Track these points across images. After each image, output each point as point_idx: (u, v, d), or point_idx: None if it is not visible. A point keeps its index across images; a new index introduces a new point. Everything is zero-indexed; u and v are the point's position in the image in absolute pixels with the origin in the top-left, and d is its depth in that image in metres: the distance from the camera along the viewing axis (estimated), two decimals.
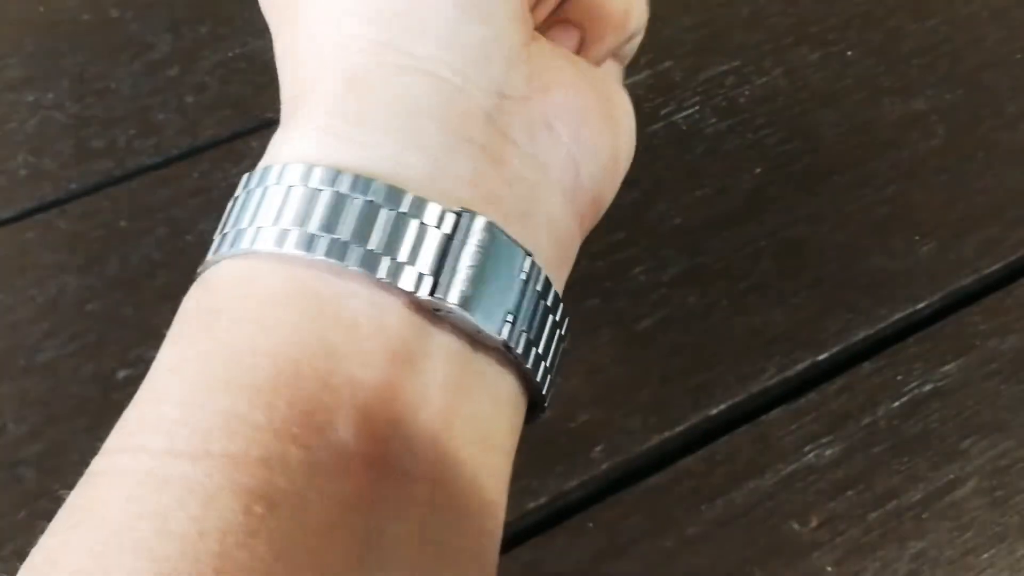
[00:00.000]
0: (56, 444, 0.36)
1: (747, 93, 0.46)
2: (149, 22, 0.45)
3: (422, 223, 0.22)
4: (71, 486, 0.35)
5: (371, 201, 0.22)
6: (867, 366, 0.39)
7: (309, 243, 0.22)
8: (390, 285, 0.22)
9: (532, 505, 0.36)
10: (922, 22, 0.48)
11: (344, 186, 0.22)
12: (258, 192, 0.23)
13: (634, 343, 0.39)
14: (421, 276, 0.22)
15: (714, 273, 0.41)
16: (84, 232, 0.40)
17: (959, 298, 0.41)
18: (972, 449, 0.38)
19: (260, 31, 0.46)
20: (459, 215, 0.23)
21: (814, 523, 0.36)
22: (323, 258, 0.22)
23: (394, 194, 0.22)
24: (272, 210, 0.22)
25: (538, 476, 0.36)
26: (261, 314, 0.22)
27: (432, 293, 0.22)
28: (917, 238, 0.42)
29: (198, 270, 0.24)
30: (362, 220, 0.22)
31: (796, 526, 0.36)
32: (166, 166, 0.42)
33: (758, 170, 0.44)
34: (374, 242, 0.22)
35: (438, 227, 0.23)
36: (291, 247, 0.22)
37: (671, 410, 0.38)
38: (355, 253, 0.22)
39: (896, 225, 0.43)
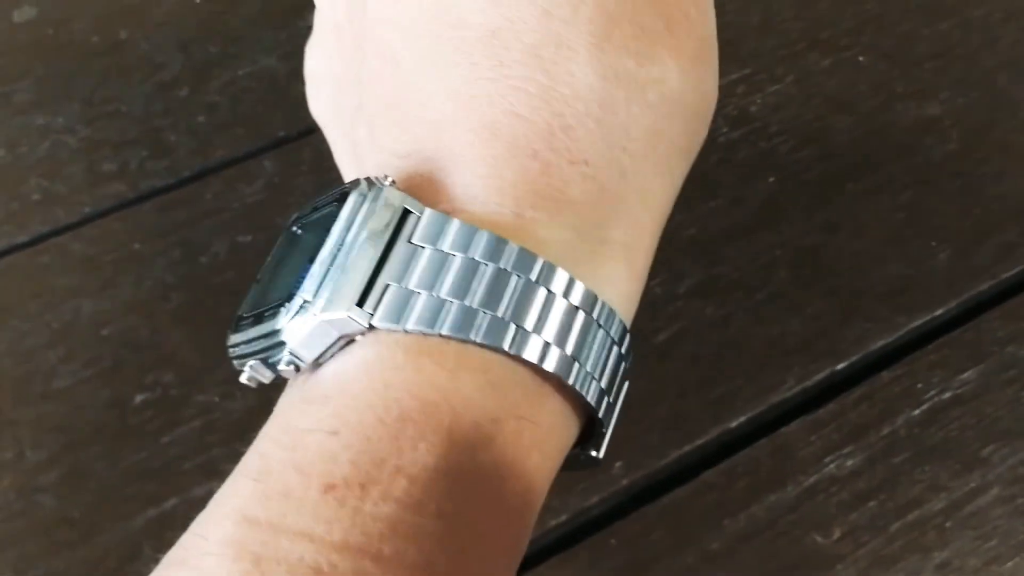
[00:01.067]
0: (74, 470, 0.36)
1: (759, 101, 0.45)
2: (158, 43, 0.45)
3: (616, 346, 0.24)
4: (90, 513, 0.35)
5: (602, 328, 0.24)
6: (886, 375, 0.39)
7: (592, 390, 0.24)
8: (584, 400, 0.23)
9: (554, 523, 0.36)
10: (935, 25, 0.48)
11: (589, 306, 0.23)
12: (535, 291, 0.23)
13: (651, 356, 0.39)
14: (603, 394, 0.24)
15: (730, 284, 0.41)
16: (98, 256, 0.40)
17: (977, 304, 0.41)
18: (993, 457, 0.38)
19: (269, 49, 0.46)
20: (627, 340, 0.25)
21: (837, 535, 0.36)
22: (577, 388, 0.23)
23: (621, 329, 0.24)
24: (536, 315, 0.23)
25: (559, 493, 0.36)
26: (541, 460, 0.23)
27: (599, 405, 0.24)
28: (933, 244, 0.42)
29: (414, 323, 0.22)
30: (582, 335, 0.23)
31: (819, 538, 0.36)
32: (178, 187, 0.42)
33: (772, 179, 0.43)
34: (588, 359, 0.24)
35: (620, 347, 0.24)
36: (564, 374, 0.23)
37: (690, 424, 0.38)
38: (593, 388, 0.23)
39: (912, 232, 0.42)
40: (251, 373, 0.23)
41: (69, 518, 0.35)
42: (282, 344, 0.22)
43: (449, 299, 0.22)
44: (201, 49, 0.45)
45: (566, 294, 0.23)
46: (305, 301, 0.22)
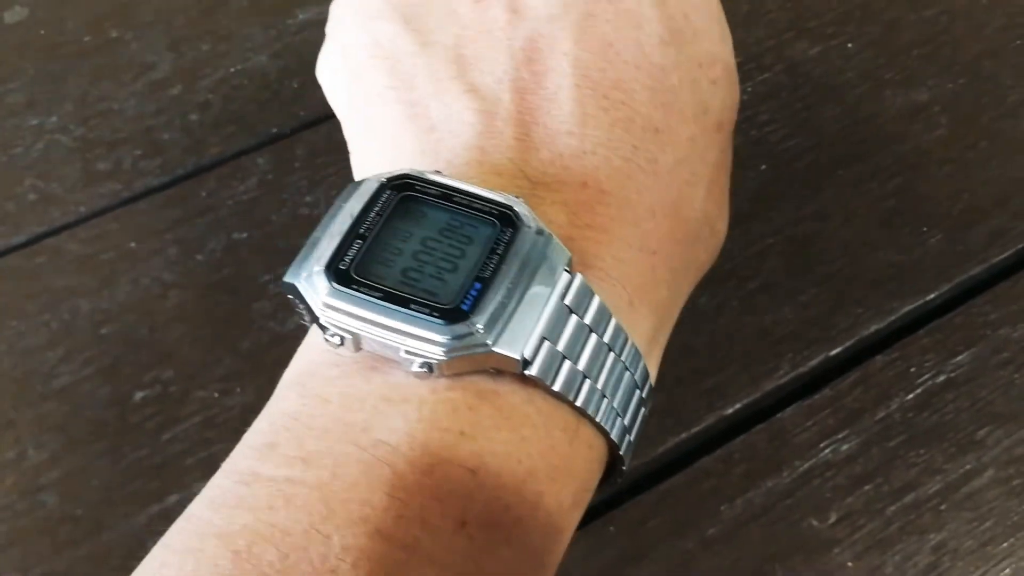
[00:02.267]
0: (76, 469, 0.36)
1: (749, 90, 0.46)
2: (149, 41, 0.45)
3: (640, 391, 0.26)
4: (93, 511, 0.35)
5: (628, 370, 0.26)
6: (879, 359, 0.40)
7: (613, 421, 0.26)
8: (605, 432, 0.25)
9: None
10: (921, 12, 0.48)
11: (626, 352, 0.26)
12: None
13: None
14: (625, 433, 0.26)
15: (723, 273, 0.41)
16: (94, 255, 0.40)
17: (968, 288, 0.42)
18: (988, 439, 0.38)
19: (259, 47, 0.46)
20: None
21: (833, 519, 0.37)
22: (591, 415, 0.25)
23: (646, 375, 0.27)
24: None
25: None
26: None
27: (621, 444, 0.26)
28: (924, 230, 0.42)
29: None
30: (617, 378, 0.25)
31: (815, 523, 0.36)
32: (173, 186, 0.42)
33: (763, 167, 0.44)
34: (602, 386, 0.25)
35: (643, 392, 0.27)
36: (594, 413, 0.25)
37: (686, 412, 0.38)
38: (618, 427, 0.25)
39: (903, 218, 0.43)
40: (346, 342, 0.23)
41: (72, 516, 0.35)
42: (417, 340, 0.22)
43: (584, 374, 0.24)
44: (192, 47, 0.45)
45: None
46: (478, 328, 0.22)
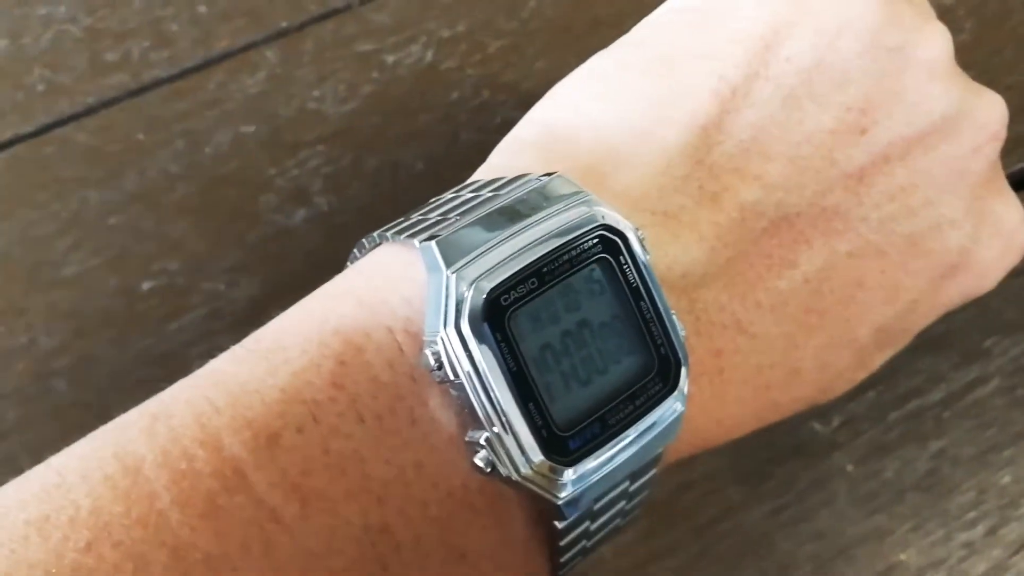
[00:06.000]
0: (85, 356, 0.36)
1: None
2: None
3: None
4: (102, 397, 0.36)
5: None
6: None
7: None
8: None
9: None
10: None
11: None
12: None
13: None
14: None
15: None
16: (102, 146, 0.40)
17: None
18: (995, 348, 0.38)
19: None
20: None
21: (835, 423, 0.37)
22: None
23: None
24: None
25: None
26: None
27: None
28: None
29: None
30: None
31: (817, 426, 0.37)
32: (181, 78, 0.41)
33: None
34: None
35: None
36: None
37: None
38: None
39: None
40: (442, 372, 0.20)
41: (82, 402, 0.36)
42: (511, 441, 0.20)
43: (585, 535, 0.23)
44: None
45: None
46: (565, 480, 0.21)
